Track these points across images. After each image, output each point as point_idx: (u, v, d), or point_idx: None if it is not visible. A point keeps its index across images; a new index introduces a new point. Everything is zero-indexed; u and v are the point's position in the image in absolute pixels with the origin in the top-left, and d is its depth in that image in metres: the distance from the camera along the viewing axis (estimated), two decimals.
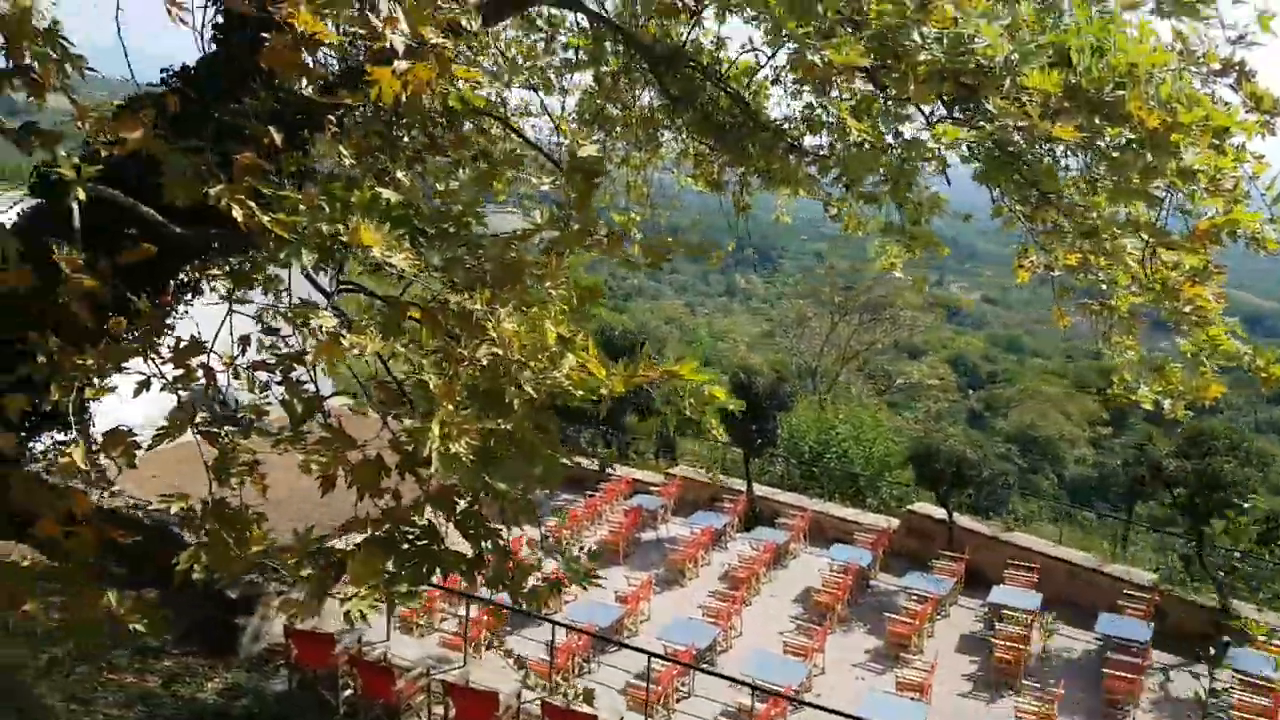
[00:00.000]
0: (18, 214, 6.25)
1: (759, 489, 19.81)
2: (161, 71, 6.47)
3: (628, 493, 19.76)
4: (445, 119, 4.51)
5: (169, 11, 3.57)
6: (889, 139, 6.94)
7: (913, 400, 38.04)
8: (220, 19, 6.23)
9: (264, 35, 3.53)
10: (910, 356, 45.54)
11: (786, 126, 7.52)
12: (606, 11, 7.86)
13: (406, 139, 4.45)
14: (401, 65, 3.54)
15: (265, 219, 3.17)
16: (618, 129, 9.37)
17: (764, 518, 19.12)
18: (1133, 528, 20.91)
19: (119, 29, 4.41)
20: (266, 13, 3.40)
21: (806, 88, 7.45)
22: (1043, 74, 3.62)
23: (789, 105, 9.13)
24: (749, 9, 4.90)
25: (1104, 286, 6.01)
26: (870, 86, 6.93)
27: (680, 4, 5.33)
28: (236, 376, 3.49)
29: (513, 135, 7.45)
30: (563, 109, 9.19)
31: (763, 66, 7.05)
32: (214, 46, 6.27)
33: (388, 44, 3.46)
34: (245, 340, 3.72)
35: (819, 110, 7.67)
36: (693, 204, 10.28)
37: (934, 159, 6.48)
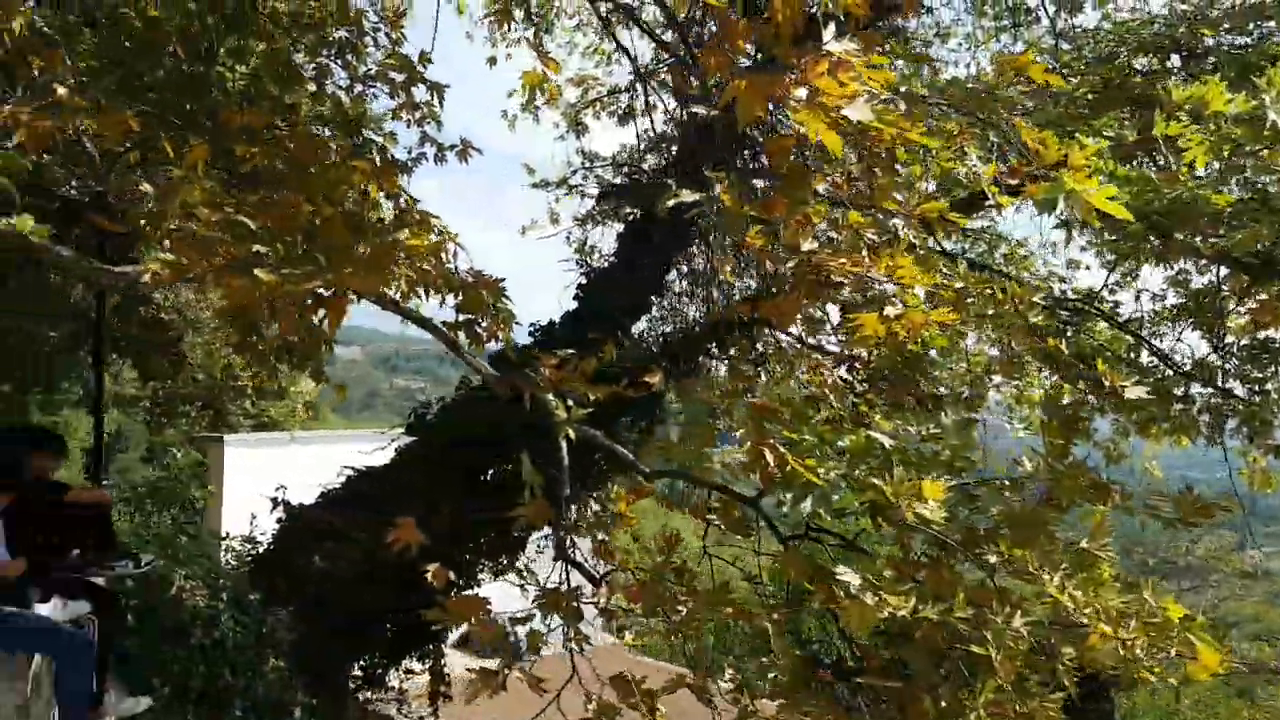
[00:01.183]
0: (397, 450, 6.67)
1: None
2: (529, 324, 6.93)
3: None
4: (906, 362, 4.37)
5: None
6: None
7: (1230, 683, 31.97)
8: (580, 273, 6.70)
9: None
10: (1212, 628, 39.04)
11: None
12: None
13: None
14: (892, 310, 3.45)
15: (798, 465, 3.01)
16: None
17: None
18: None
19: None
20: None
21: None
22: None
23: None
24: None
25: None
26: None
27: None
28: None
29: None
30: None
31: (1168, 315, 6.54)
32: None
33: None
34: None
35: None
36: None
37: None
